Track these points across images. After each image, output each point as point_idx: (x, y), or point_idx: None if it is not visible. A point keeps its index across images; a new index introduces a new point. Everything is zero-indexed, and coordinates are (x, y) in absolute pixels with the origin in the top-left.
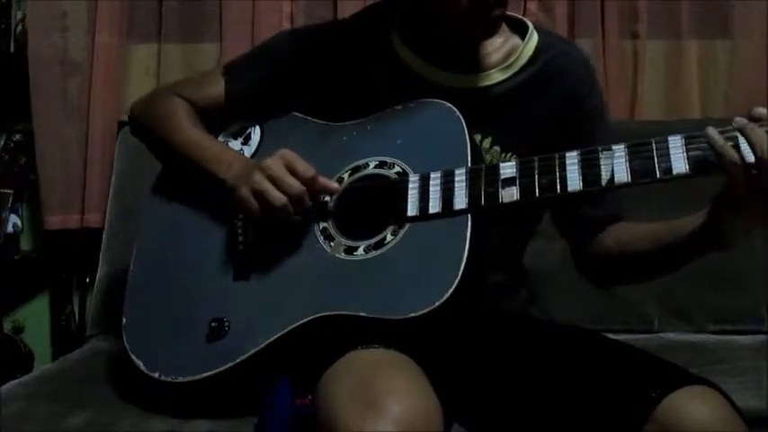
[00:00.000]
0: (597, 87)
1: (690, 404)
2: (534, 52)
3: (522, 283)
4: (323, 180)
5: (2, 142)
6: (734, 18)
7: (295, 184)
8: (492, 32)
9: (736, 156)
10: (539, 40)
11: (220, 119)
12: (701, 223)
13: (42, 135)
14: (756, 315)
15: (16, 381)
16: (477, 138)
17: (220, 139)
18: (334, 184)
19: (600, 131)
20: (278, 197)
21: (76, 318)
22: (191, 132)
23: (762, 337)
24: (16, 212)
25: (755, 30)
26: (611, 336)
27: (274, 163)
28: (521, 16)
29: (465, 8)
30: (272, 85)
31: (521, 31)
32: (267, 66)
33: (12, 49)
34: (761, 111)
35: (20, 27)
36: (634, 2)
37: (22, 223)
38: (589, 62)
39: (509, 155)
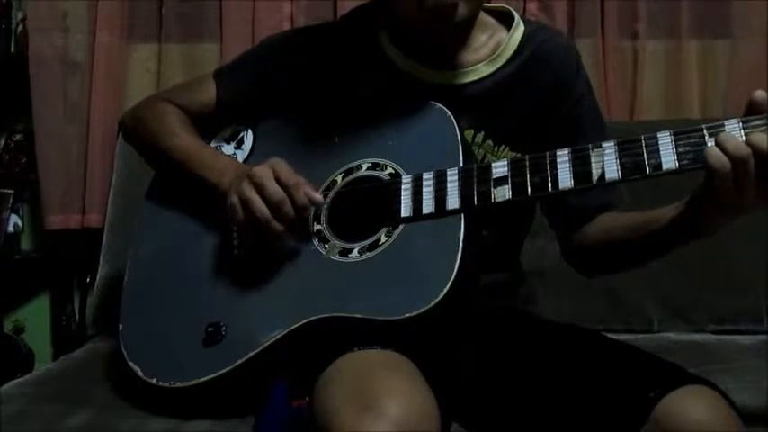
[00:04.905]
0: (583, 72)
1: (688, 404)
2: (520, 43)
3: (520, 281)
4: (308, 191)
5: (2, 142)
6: (734, 18)
7: (277, 191)
8: (465, 30)
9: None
10: (525, 30)
11: (212, 124)
12: (679, 213)
13: (42, 135)
14: (756, 315)
15: (16, 381)
16: (470, 133)
17: (213, 143)
18: (318, 196)
19: (589, 117)
20: (260, 209)
21: (76, 318)
22: (183, 138)
23: (762, 337)
24: (17, 212)
25: (755, 30)
26: (611, 336)
27: (262, 170)
28: (508, 7)
29: (421, 14)
30: (261, 89)
31: (509, 22)
32: (256, 70)
33: (12, 50)
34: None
35: (20, 27)
36: (634, 2)
37: (23, 223)
38: (573, 48)
39: (502, 147)
